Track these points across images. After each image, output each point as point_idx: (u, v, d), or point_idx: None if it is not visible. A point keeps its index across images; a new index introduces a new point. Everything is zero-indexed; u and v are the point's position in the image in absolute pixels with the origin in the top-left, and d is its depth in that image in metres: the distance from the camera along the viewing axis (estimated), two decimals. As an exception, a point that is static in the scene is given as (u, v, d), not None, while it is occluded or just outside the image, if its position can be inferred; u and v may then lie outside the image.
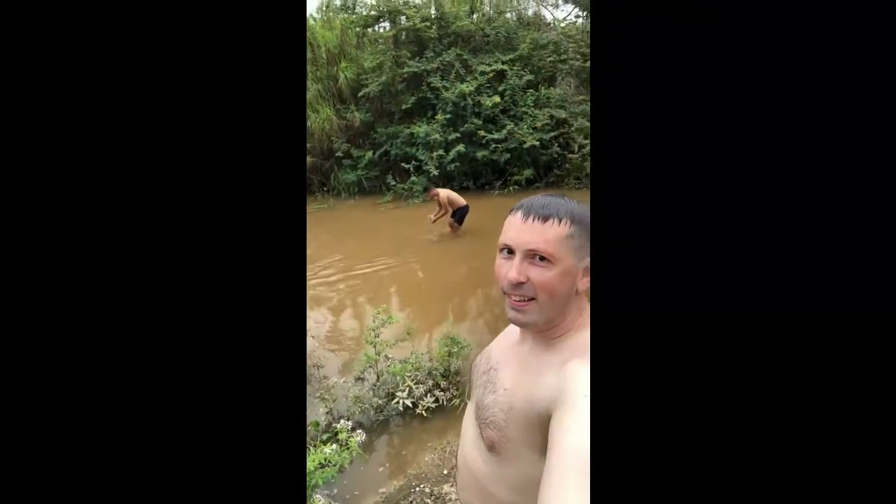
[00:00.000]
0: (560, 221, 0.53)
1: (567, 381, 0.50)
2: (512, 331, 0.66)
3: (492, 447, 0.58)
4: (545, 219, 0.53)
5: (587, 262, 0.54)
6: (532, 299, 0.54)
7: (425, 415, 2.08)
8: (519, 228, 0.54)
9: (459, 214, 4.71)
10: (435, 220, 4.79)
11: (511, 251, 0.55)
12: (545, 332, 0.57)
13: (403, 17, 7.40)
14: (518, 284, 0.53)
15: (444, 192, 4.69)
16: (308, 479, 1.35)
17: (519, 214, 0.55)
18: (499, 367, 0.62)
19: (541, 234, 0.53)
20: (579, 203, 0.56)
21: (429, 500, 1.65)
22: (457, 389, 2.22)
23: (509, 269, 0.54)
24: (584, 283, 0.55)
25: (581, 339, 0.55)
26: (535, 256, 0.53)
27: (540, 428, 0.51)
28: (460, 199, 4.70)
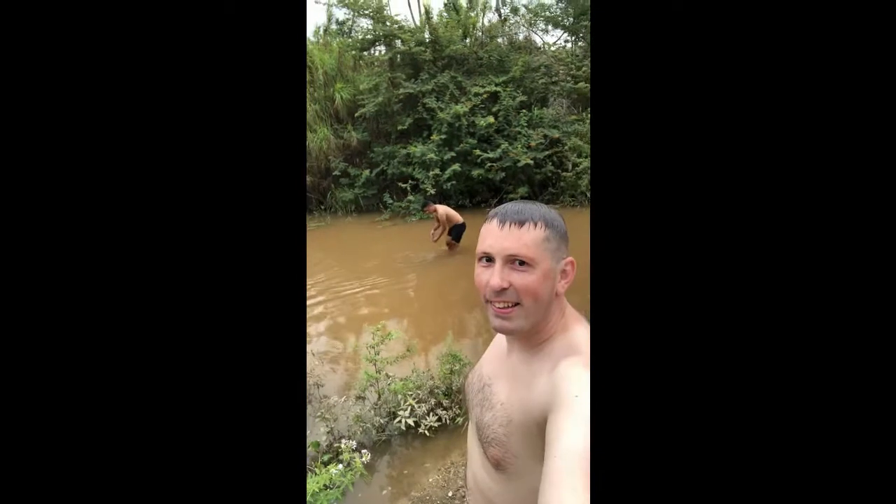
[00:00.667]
0: (535, 225, 0.54)
1: (558, 382, 0.50)
2: (498, 344, 0.66)
3: (497, 465, 0.57)
4: (521, 224, 0.54)
5: (564, 263, 0.56)
6: (516, 304, 0.54)
7: (428, 434, 2.04)
8: (496, 235, 0.55)
9: (456, 232, 4.72)
10: (437, 238, 4.77)
11: (490, 259, 0.55)
12: (532, 339, 0.57)
13: (399, 41, 7.60)
14: (501, 290, 0.53)
15: (442, 209, 4.70)
16: (312, 500, 1.32)
17: (495, 222, 0.56)
18: (492, 383, 0.62)
19: (519, 239, 0.53)
20: (550, 208, 0.58)
21: (434, 523, 1.61)
22: (459, 408, 2.19)
23: (491, 276, 0.54)
24: (563, 285, 0.56)
25: (567, 339, 0.56)
26: (515, 261, 0.54)
27: (540, 436, 0.51)
28: (457, 216, 4.72)
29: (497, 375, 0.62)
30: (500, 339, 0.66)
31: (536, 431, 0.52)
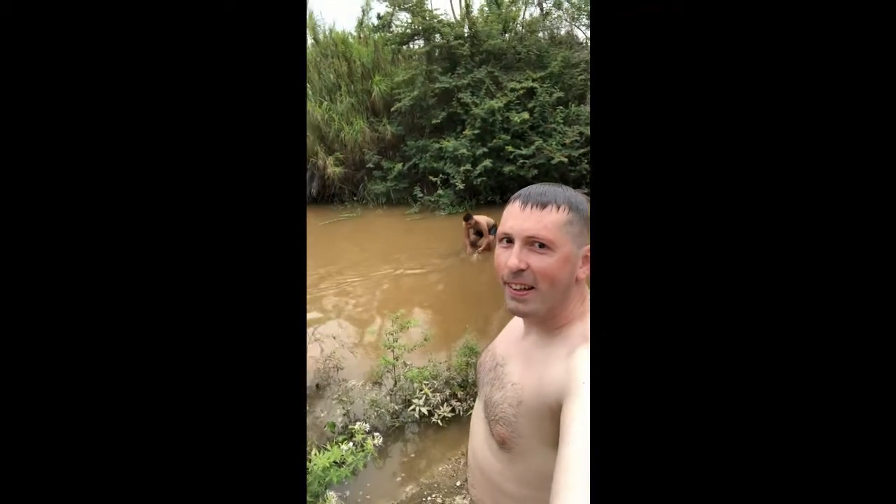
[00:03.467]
0: (559, 208, 0.52)
1: (574, 369, 0.49)
2: (515, 325, 0.65)
3: (503, 443, 0.57)
4: (543, 206, 0.53)
5: (586, 249, 0.54)
6: (532, 288, 0.53)
7: (441, 424, 2.06)
8: (517, 216, 0.54)
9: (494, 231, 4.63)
10: (482, 250, 4.57)
11: (510, 240, 0.54)
12: (548, 323, 0.56)
13: (437, 35, 7.60)
14: (518, 272, 0.53)
15: (483, 219, 4.51)
16: (323, 475, 1.36)
17: (517, 203, 0.55)
18: (505, 363, 0.61)
19: (539, 221, 0.52)
20: (578, 192, 0.56)
21: (440, 510, 1.62)
22: (474, 400, 2.19)
23: (509, 257, 0.53)
24: (584, 271, 0.54)
25: (585, 326, 0.54)
26: (535, 243, 0.53)
27: (551, 420, 0.50)
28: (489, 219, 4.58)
29: (511, 356, 0.61)
30: (517, 321, 0.65)
31: (548, 415, 0.51)
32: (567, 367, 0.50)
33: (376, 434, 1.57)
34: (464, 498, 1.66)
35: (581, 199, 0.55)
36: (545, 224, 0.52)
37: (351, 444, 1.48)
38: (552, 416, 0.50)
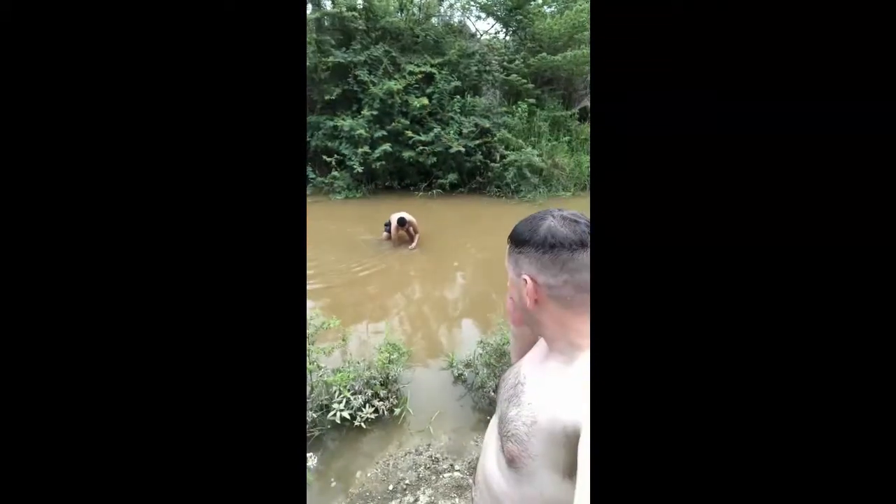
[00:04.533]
0: (508, 242, 0.61)
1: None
2: (541, 346, 0.66)
3: (512, 462, 0.57)
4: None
5: (521, 279, 0.58)
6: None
7: (364, 427, 1.97)
8: None
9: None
10: (416, 246, 4.39)
11: None
12: (560, 350, 0.58)
13: (328, 2, 7.02)
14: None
15: (411, 219, 4.31)
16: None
17: None
18: (525, 382, 0.62)
19: None
20: (547, 218, 0.58)
21: (377, 520, 1.57)
22: (396, 398, 2.15)
23: None
24: (531, 295, 0.57)
25: None
26: None
27: (565, 447, 0.51)
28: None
29: (532, 377, 0.62)
30: (542, 344, 0.66)
31: (562, 440, 0.51)
32: (586, 399, 0.50)
33: (310, 455, 1.42)
34: (399, 502, 1.63)
35: (525, 229, 0.58)
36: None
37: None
38: (566, 442, 0.51)
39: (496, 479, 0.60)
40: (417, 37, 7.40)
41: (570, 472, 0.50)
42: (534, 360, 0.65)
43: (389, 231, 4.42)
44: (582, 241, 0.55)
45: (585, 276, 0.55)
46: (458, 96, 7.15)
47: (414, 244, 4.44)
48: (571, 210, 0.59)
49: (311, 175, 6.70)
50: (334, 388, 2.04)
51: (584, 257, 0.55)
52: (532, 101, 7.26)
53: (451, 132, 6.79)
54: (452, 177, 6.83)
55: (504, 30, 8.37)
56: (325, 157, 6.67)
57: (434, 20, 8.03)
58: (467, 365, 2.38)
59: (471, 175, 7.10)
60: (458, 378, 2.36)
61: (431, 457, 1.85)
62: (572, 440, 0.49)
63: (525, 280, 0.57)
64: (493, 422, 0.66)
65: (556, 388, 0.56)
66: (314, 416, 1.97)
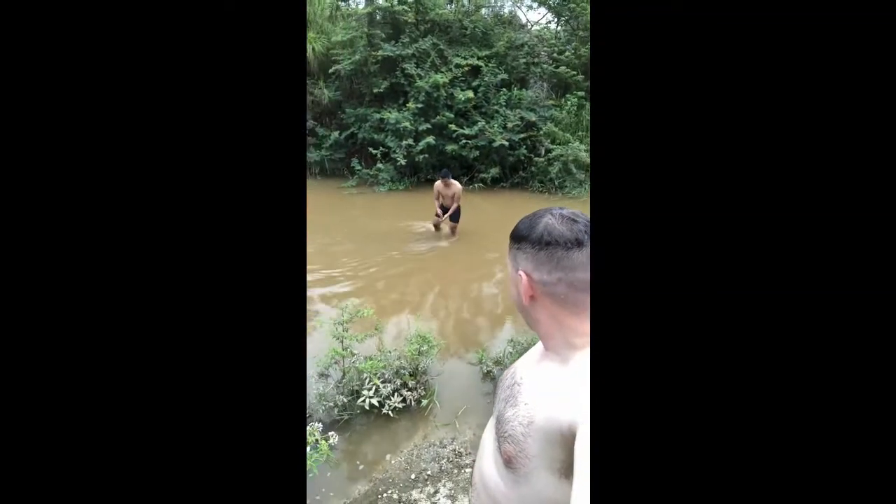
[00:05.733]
0: (510, 239, 0.61)
1: (586, 399, 0.49)
2: (538, 347, 0.66)
3: (509, 462, 0.57)
4: None
5: (521, 272, 0.58)
6: None
7: (392, 415, 2.02)
8: None
9: (457, 214, 4.46)
10: (442, 221, 4.46)
11: None
12: (555, 350, 0.59)
13: (380, -4, 7.13)
14: None
15: (459, 185, 4.36)
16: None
17: None
18: (522, 383, 0.62)
19: None
20: (546, 217, 0.58)
21: (397, 506, 1.61)
22: (425, 390, 2.19)
23: None
24: (526, 291, 0.58)
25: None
26: None
27: (561, 446, 0.50)
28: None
29: (529, 377, 0.62)
30: (539, 344, 0.66)
31: (559, 440, 0.51)
32: (582, 398, 0.50)
33: (331, 434, 1.48)
34: (420, 492, 1.66)
35: (528, 227, 0.58)
36: None
37: (307, 448, 1.39)
38: (563, 442, 0.50)
39: (493, 480, 0.60)
40: (466, 28, 7.35)
41: (567, 472, 0.49)
42: (530, 361, 0.65)
43: (439, 217, 4.48)
44: (578, 240, 0.55)
45: (580, 275, 0.55)
46: (505, 89, 7.03)
47: (455, 236, 4.47)
48: (573, 209, 0.59)
49: (357, 167, 6.89)
50: (365, 374, 2.10)
51: (580, 256, 0.55)
52: (581, 93, 7.00)
53: (496, 125, 6.71)
54: (494, 171, 6.75)
55: (556, 20, 8.10)
56: (370, 149, 6.82)
57: (484, 11, 7.93)
58: (497, 362, 2.37)
59: (514, 169, 6.99)
60: (487, 375, 2.36)
61: (455, 451, 1.86)
62: (569, 439, 0.49)
63: (521, 276, 0.58)
64: (490, 423, 0.66)
65: (552, 388, 0.56)
66: (345, 400, 2.05)
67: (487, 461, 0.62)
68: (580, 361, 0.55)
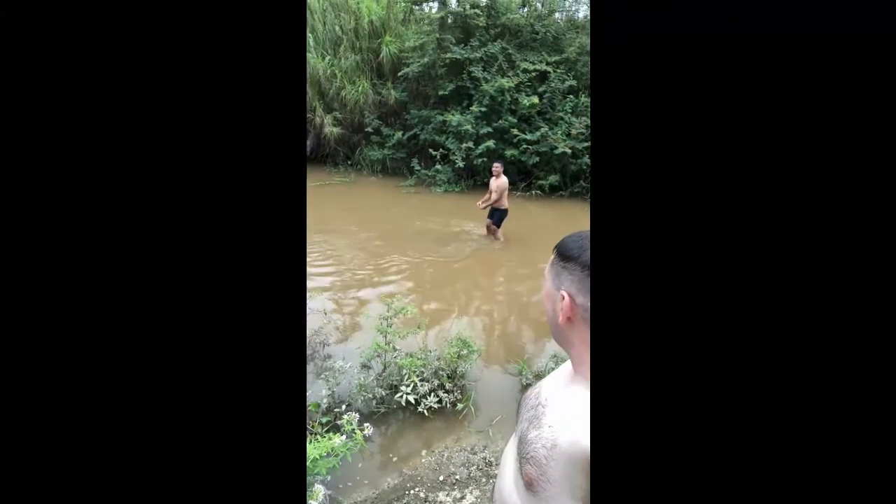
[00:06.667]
0: (554, 251, 0.61)
1: None
2: (564, 369, 0.65)
3: (530, 485, 0.56)
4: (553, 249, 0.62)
5: (560, 293, 0.58)
6: None
7: (426, 414, 2.05)
8: None
9: (498, 216, 4.45)
10: (483, 206, 4.50)
11: None
12: (584, 373, 0.57)
13: (454, 0, 7.23)
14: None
15: (504, 181, 4.38)
16: (311, 467, 1.33)
17: None
18: (547, 404, 0.60)
19: None
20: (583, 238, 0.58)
21: (423, 505, 1.63)
22: (461, 393, 2.19)
23: None
24: (561, 316, 0.57)
25: None
26: None
27: (585, 473, 0.49)
28: (506, 200, 4.42)
29: (554, 399, 0.61)
30: (567, 366, 0.65)
31: (582, 466, 0.50)
32: None
33: (366, 425, 1.53)
34: (447, 495, 1.67)
35: (573, 243, 0.58)
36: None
37: (343, 437, 1.45)
38: (585, 469, 0.49)
39: (513, 499, 0.59)
40: (537, 33, 7.25)
41: (588, 500, 0.48)
42: (556, 383, 0.64)
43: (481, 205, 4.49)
44: None
45: None
46: (572, 96, 6.84)
47: (499, 237, 4.43)
48: None
49: (416, 167, 7.05)
50: (405, 371, 2.15)
51: None
52: (655, 103, 6.62)
53: (559, 132, 6.55)
54: (553, 178, 6.59)
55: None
56: (431, 150, 6.95)
57: (557, 15, 7.77)
58: (538, 376, 2.32)
59: (574, 178, 6.77)
60: (526, 387, 2.31)
61: (485, 459, 1.85)
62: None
63: (563, 296, 0.57)
64: (512, 442, 0.65)
65: (577, 412, 0.54)
66: (383, 393, 2.11)
67: (508, 480, 0.62)
68: None
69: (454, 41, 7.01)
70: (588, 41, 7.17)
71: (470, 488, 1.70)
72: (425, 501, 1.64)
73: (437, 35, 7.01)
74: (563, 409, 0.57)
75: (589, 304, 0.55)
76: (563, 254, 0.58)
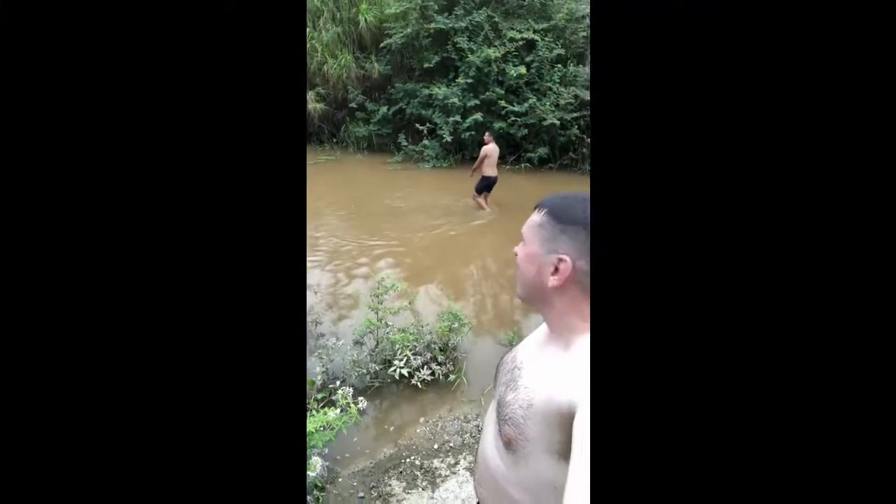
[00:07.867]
0: (539, 210, 0.60)
1: (588, 383, 0.49)
2: (539, 333, 0.66)
3: (509, 444, 0.58)
4: (535, 207, 0.62)
5: (554, 257, 0.57)
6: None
7: (420, 386, 2.09)
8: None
9: (483, 183, 4.47)
10: (472, 174, 4.58)
11: None
12: (559, 334, 0.59)
13: (436, -35, 6.94)
14: (515, 255, 0.63)
15: (492, 148, 4.43)
16: (308, 440, 1.36)
17: None
18: (522, 367, 0.62)
19: (528, 219, 0.62)
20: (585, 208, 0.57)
21: (418, 473, 1.68)
22: (453, 365, 2.23)
23: None
24: (552, 280, 0.57)
25: None
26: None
27: (560, 428, 0.51)
28: (494, 168, 4.45)
29: (529, 362, 0.62)
30: (541, 329, 0.66)
31: (557, 422, 0.52)
32: (581, 380, 0.50)
33: (360, 399, 1.56)
34: (441, 461, 1.73)
35: (570, 207, 0.57)
36: (527, 222, 0.61)
37: (338, 410, 1.47)
38: (561, 424, 0.51)
39: (495, 461, 0.61)
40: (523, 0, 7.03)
41: (565, 453, 0.50)
42: (531, 346, 0.65)
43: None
44: None
45: None
46: (560, 65, 6.71)
47: (487, 207, 4.46)
48: None
49: (403, 143, 6.93)
50: (397, 346, 2.18)
51: None
52: (644, 70, 6.53)
53: (548, 103, 6.45)
54: (542, 151, 6.54)
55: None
56: (417, 125, 6.82)
57: (544, -20, 7.52)
58: (528, 345, 2.36)
59: (563, 150, 6.73)
60: (517, 356, 2.36)
61: (478, 426, 1.91)
62: (567, 420, 0.49)
63: (561, 259, 0.56)
64: (491, 406, 0.67)
65: (552, 372, 0.56)
66: (377, 368, 2.15)
67: (489, 443, 0.64)
68: (582, 345, 0.55)
69: (437, 9, 6.78)
70: (576, 7, 6.97)
71: (464, 454, 1.76)
72: (421, 468, 1.69)
73: (420, 2, 6.76)
74: (538, 370, 0.58)
75: (588, 268, 0.55)
76: (563, 218, 0.57)
